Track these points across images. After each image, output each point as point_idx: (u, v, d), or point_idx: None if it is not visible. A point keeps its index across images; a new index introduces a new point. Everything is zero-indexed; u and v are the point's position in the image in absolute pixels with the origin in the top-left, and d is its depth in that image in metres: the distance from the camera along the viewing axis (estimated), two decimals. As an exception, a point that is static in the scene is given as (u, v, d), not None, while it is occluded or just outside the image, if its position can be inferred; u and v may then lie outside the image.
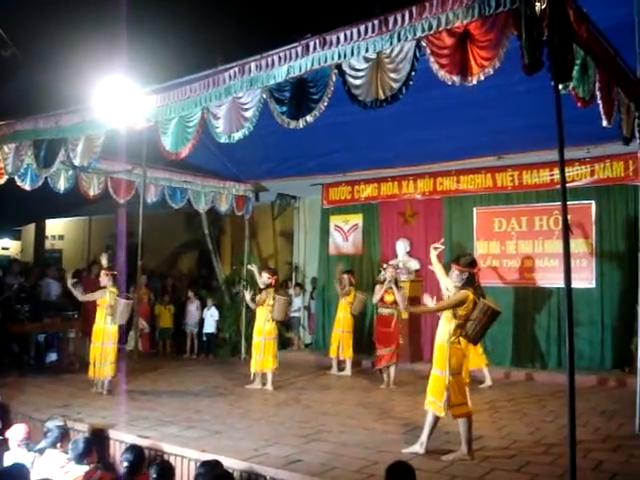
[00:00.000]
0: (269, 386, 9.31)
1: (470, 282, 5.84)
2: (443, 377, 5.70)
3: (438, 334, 5.89)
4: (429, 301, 6.08)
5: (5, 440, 6.18)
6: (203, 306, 13.62)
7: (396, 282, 9.72)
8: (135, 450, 5.42)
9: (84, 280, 12.72)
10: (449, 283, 5.95)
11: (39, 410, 7.63)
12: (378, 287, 9.86)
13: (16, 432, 6.09)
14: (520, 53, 4.38)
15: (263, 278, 9.61)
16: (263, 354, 9.35)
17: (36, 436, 6.30)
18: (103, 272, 9.20)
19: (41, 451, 5.76)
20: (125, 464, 5.20)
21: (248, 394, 9.09)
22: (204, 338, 13.48)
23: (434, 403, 5.73)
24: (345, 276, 11.03)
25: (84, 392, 8.84)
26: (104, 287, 9.06)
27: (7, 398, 7.65)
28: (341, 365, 10.96)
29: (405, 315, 10.38)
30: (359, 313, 11.19)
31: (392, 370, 9.58)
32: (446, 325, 5.80)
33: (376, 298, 9.88)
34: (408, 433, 6.59)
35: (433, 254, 6.29)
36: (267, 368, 9.38)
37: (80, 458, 5.37)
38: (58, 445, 5.74)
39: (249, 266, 10.65)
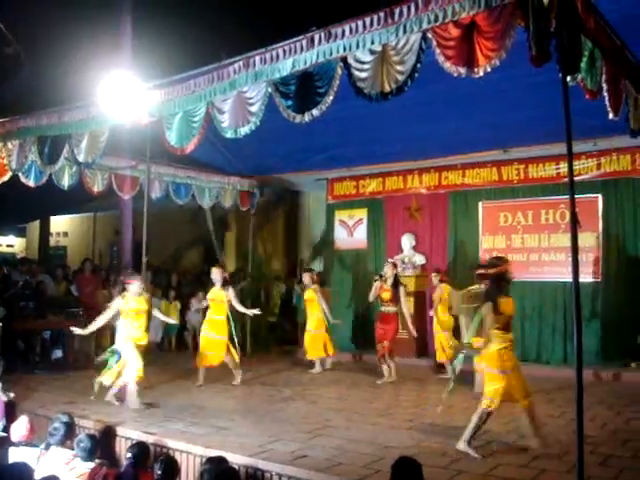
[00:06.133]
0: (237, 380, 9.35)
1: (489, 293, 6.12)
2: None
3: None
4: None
5: (9, 436, 6.17)
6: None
7: (396, 279, 9.62)
8: (140, 446, 5.42)
9: (78, 278, 12.73)
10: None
11: (45, 407, 7.63)
12: (376, 284, 9.71)
13: (18, 426, 6.08)
14: (527, 45, 4.34)
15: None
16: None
17: (41, 433, 6.28)
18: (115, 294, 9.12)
19: (46, 447, 5.74)
20: (128, 455, 5.19)
21: (253, 390, 9.06)
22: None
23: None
24: (306, 275, 10.82)
25: (89, 389, 8.81)
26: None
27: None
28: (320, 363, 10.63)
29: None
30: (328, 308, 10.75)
31: (392, 364, 9.47)
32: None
33: (372, 296, 9.80)
34: (414, 428, 6.57)
35: None
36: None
37: (86, 455, 5.35)
38: (64, 442, 5.72)
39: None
